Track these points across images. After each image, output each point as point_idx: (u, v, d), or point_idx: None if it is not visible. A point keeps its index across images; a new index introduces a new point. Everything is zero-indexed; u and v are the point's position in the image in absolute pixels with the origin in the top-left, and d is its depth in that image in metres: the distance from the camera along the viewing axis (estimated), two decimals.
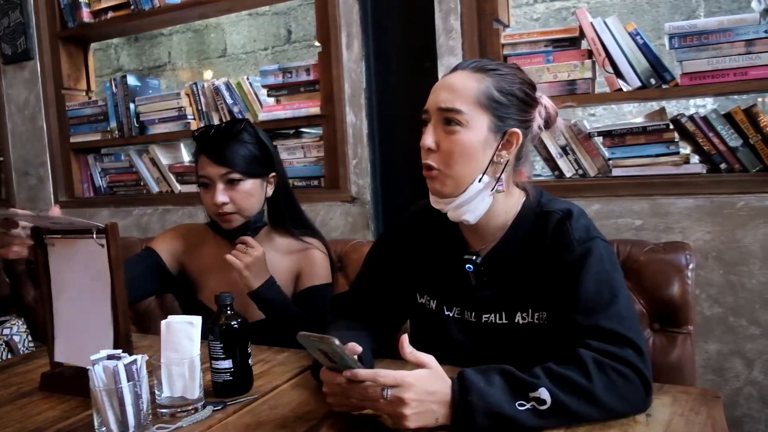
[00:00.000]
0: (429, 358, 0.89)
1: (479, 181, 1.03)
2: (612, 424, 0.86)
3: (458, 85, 1.03)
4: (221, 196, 1.37)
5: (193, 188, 2.45)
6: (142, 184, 2.60)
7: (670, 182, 1.68)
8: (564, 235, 1.02)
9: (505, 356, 0.97)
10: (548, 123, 1.09)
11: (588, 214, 1.09)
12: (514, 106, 1.04)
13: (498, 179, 1.04)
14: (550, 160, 1.86)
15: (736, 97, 2.00)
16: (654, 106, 2.03)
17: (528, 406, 0.84)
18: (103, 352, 0.91)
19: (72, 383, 1.08)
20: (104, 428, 0.86)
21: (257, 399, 1.03)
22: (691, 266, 1.31)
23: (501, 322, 1.07)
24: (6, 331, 2.06)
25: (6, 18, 2.76)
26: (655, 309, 1.32)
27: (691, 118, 1.68)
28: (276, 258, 1.47)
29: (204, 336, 1.02)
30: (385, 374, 0.85)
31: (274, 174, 1.46)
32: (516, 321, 1.06)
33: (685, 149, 1.75)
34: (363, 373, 0.86)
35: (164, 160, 2.52)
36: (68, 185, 2.77)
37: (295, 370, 1.16)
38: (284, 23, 3.47)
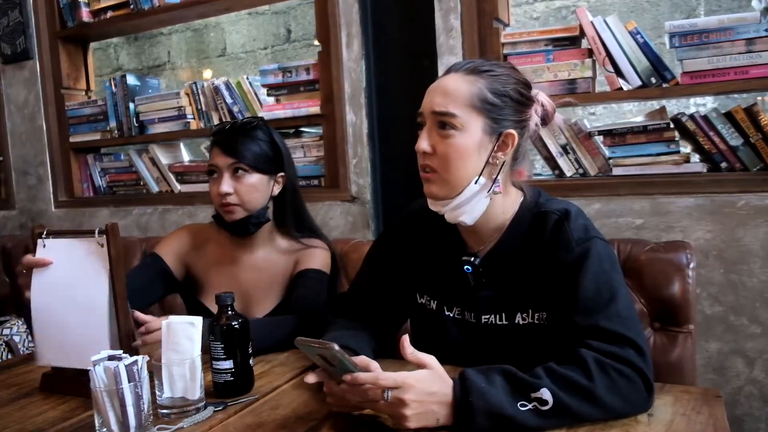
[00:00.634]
0: (430, 359, 0.89)
1: (475, 182, 1.03)
2: (613, 424, 0.86)
3: (451, 89, 1.02)
4: (226, 185, 1.39)
5: (192, 188, 2.45)
6: (141, 183, 2.60)
7: (670, 181, 1.68)
8: (562, 236, 1.02)
9: (505, 357, 0.97)
10: (545, 120, 1.08)
11: (588, 214, 1.09)
12: (508, 107, 1.03)
13: (494, 180, 1.04)
14: (550, 159, 1.86)
15: (736, 96, 1.99)
16: (654, 105, 2.03)
17: (530, 406, 0.84)
18: (104, 353, 0.91)
19: (72, 384, 1.08)
20: (105, 429, 0.86)
21: (258, 399, 1.03)
22: (691, 265, 1.31)
23: (501, 322, 1.07)
24: (6, 332, 2.06)
25: (5, 17, 2.76)
26: (656, 308, 1.32)
27: (691, 117, 1.68)
28: (275, 257, 1.49)
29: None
30: (385, 376, 0.85)
31: (282, 174, 1.47)
32: (516, 322, 1.06)
33: (686, 148, 1.75)
34: (363, 376, 0.86)
35: (164, 159, 2.52)
36: (68, 185, 2.77)
37: (296, 371, 1.16)
38: (284, 22, 3.46)
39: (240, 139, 1.42)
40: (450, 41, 1.91)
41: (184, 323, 1.02)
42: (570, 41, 1.82)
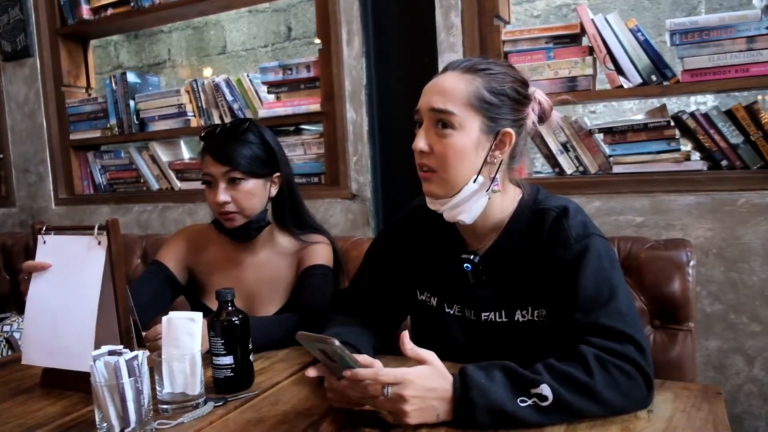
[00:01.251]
0: (430, 355, 0.89)
1: (474, 181, 1.02)
2: (613, 420, 0.86)
3: (449, 87, 1.02)
4: (223, 195, 1.38)
5: (192, 185, 2.45)
6: (142, 181, 2.60)
7: (670, 179, 1.68)
8: (561, 233, 1.02)
9: (505, 353, 0.96)
10: (543, 118, 1.08)
11: (588, 212, 1.09)
12: (505, 105, 1.03)
13: (493, 179, 1.04)
14: (550, 157, 1.86)
15: (737, 93, 1.99)
16: (655, 103, 2.03)
17: (529, 402, 0.84)
18: (104, 348, 0.91)
19: (73, 379, 1.07)
20: (105, 424, 0.86)
21: (258, 395, 1.03)
22: (691, 263, 1.31)
23: (501, 320, 1.07)
24: (6, 328, 2.06)
25: (5, 15, 2.75)
26: (656, 306, 1.32)
27: (692, 115, 1.68)
28: (277, 258, 1.48)
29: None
30: (385, 372, 0.85)
31: (278, 174, 1.46)
32: (516, 319, 1.06)
33: (686, 146, 1.74)
34: (363, 372, 0.86)
35: (164, 157, 2.52)
36: (68, 182, 2.77)
37: (296, 367, 1.16)
38: (284, 20, 3.46)
39: (231, 144, 1.39)
40: (450, 39, 1.91)
41: (184, 319, 1.02)
42: (571, 39, 1.82)
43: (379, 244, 1.27)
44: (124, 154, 2.65)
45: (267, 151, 1.43)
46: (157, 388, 0.96)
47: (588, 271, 0.97)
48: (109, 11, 2.56)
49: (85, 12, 2.60)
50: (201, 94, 2.38)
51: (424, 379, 0.85)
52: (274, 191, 1.46)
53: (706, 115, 1.66)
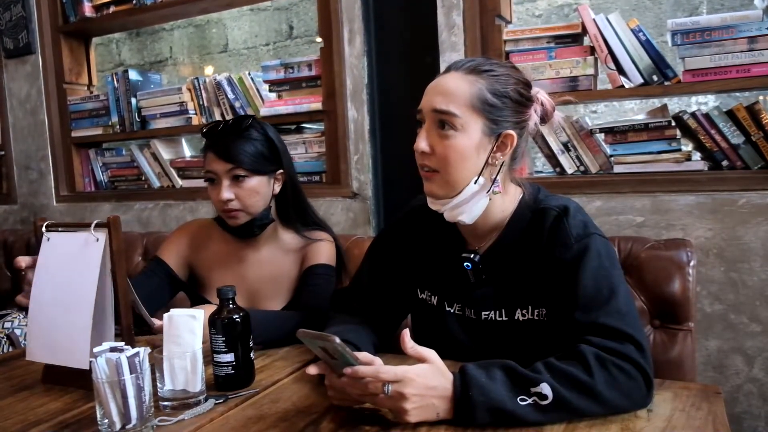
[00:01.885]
0: (430, 353, 0.89)
1: (475, 183, 1.02)
2: (613, 420, 0.86)
3: (452, 88, 1.01)
4: (226, 192, 1.36)
5: (194, 183, 2.45)
6: (143, 178, 2.60)
7: (671, 179, 1.68)
8: (561, 232, 1.02)
9: (505, 352, 0.97)
10: (545, 119, 1.08)
11: (589, 211, 1.09)
12: (508, 107, 1.02)
13: (494, 181, 1.04)
14: (551, 157, 1.86)
15: (738, 94, 1.99)
16: (656, 103, 2.03)
17: (529, 401, 0.84)
18: (106, 345, 0.92)
19: (74, 376, 1.08)
20: (106, 420, 0.87)
21: (259, 392, 1.03)
22: (692, 263, 1.31)
23: (501, 319, 1.07)
24: (7, 325, 2.06)
25: (8, 12, 2.76)
26: (656, 306, 1.32)
27: (693, 115, 1.68)
28: (281, 255, 1.48)
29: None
30: (385, 370, 0.85)
31: (281, 171, 1.45)
32: (516, 318, 1.06)
33: (687, 146, 1.75)
34: (364, 370, 0.86)
35: (165, 154, 2.52)
36: (69, 180, 2.78)
37: (297, 364, 1.17)
38: (286, 18, 3.46)
39: (234, 141, 1.37)
40: (452, 38, 1.91)
41: (185, 316, 1.02)
42: (572, 39, 1.82)
43: (380, 243, 1.27)
44: (126, 151, 2.65)
45: (270, 148, 1.42)
46: (158, 384, 0.96)
47: (588, 270, 0.97)
48: (111, 9, 2.56)
49: (87, 9, 2.61)
50: (202, 92, 2.38)
51: (425, 378, 0.85)
52: (277, 188, 1.45)
53: (707, 115, 1.67)
